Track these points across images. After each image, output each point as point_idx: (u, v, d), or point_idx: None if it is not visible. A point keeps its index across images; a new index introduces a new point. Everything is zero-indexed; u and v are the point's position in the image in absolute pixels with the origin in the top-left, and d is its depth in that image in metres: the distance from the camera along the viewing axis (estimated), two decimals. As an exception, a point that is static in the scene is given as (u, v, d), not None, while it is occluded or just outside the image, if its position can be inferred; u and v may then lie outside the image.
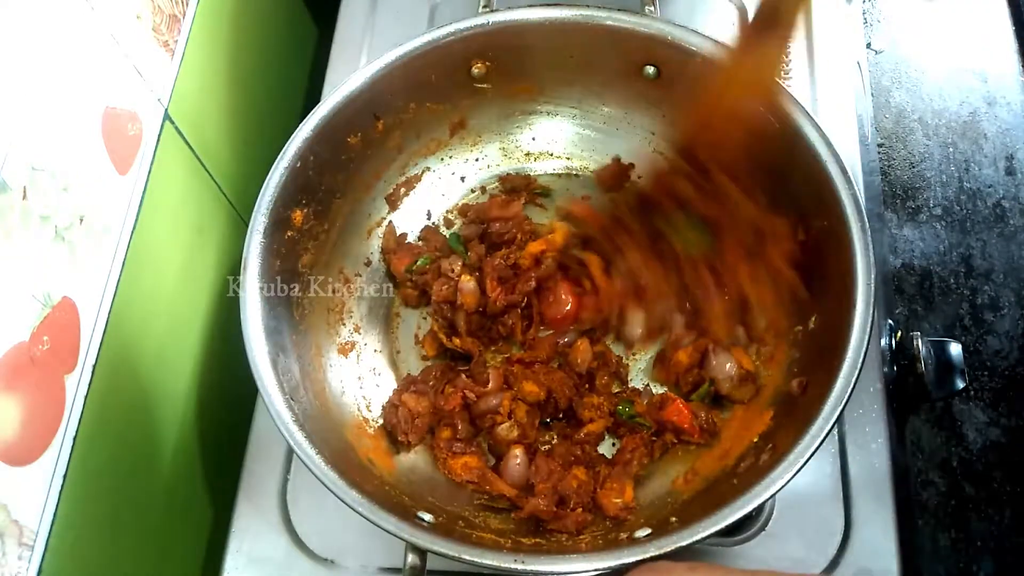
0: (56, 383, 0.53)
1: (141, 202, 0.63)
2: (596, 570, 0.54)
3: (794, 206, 0.67)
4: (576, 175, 0.80)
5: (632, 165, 0.77)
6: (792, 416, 0.60)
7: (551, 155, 0.80)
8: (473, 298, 0.70)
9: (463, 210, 0.79)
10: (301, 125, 0.67)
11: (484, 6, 0.73)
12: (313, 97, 0.90)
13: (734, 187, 0.65)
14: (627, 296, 0.70)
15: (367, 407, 0.70)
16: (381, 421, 0.70)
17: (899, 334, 0.74)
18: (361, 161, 0.73)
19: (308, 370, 0.66)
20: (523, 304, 0.72)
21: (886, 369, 0.71)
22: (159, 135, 0.65)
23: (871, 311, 0.58)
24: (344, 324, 0.73)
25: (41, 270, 0.52)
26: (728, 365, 0.67)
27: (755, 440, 0.62)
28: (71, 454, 0.54)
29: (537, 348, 0.71)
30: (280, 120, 0.90)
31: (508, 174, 0.80)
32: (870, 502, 0.66)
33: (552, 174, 0.80)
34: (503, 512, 0.65)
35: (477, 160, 0.80)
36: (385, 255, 0.76)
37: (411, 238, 0.78)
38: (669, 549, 0.53)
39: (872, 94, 0.97)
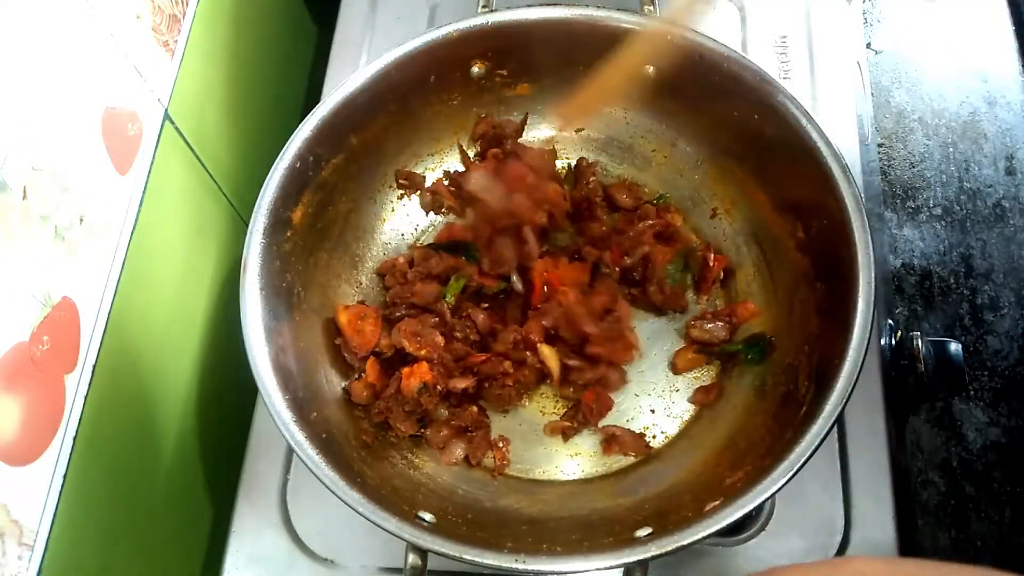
0: (56, 383, 0.53)
1: (141, 202, 0.63)
2: (596, 570, 0.54)
3: (794, 205, 0.67)
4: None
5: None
6: (792, 416, 0.60)
7: (551, 155, 0.80)
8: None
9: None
10: (301, 125, 0.67)
11: (484, 6, 0.73)
12: (313, 97, 0.90)
13: None
14: None
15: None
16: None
17: (899, 334, 0.74)
18: (361, 161, 0.73)
19: (308, 370, 0.66)
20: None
21: (886, 369, 0.71)
22: (159, 135, 0.65)
23: (871, 311, 0.58)
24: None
25: (41, 270, 0.52)
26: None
27: (756, 439, 0.63)
28: (71, 454, 0.54)
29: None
30: (280, 120, 0.90)
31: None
32: (870, 502, 0.66)
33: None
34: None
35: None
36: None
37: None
38: (669, 549, 0.53)
39: (872, 94, 0.97)
